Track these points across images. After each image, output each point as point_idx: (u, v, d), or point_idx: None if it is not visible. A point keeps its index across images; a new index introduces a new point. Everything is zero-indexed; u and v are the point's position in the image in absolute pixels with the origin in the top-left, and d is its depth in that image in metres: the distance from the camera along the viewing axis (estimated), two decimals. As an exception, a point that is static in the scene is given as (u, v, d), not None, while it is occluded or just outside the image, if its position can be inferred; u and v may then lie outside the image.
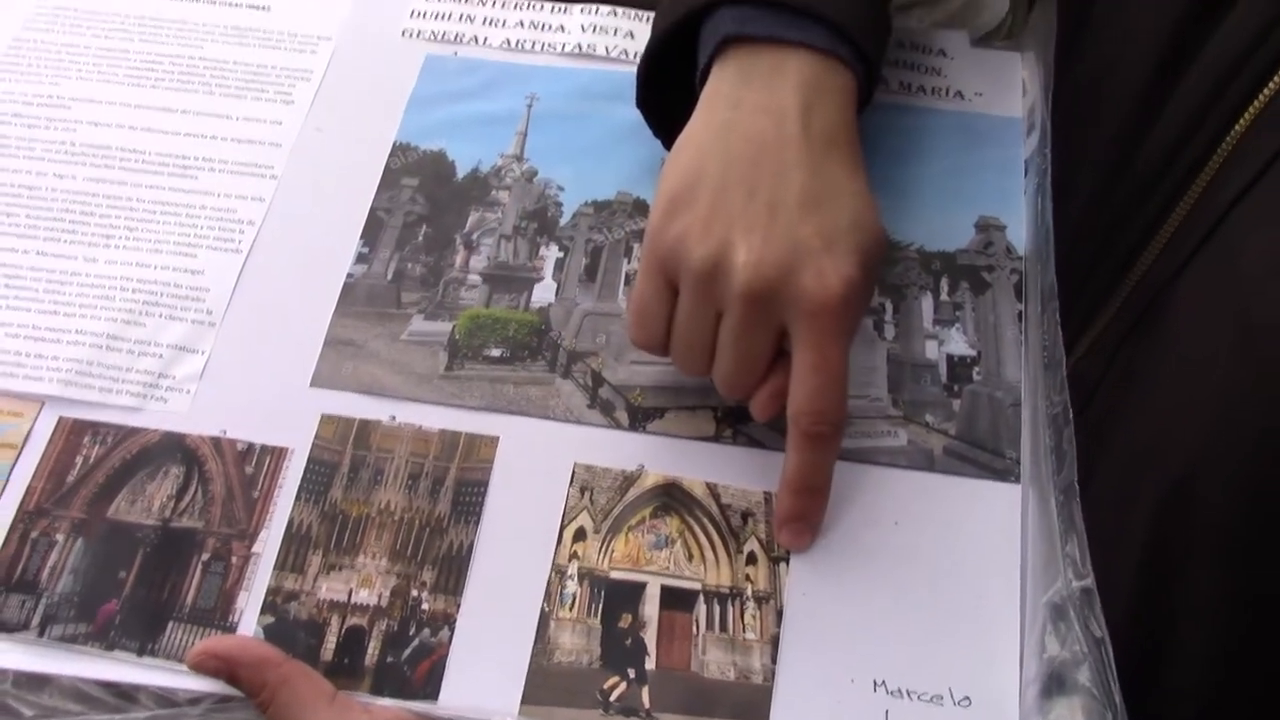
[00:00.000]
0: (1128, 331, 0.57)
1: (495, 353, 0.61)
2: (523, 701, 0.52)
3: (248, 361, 0.60)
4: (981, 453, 0.57)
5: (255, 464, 0.57)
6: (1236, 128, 0.52)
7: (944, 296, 0.62)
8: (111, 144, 0.67)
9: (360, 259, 0.63)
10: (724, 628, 0.54)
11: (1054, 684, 0.51)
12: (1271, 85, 0.51)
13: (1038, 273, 0.60)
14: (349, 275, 0.63)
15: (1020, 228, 0.63)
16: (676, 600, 0.54)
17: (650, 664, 0.53)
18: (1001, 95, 0.68)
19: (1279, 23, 0.51)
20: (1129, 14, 0.61)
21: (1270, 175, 0.51)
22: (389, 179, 0.66)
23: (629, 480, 0.57)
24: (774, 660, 0.53)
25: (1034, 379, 0.58)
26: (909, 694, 0.52)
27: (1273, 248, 0.50)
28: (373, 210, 0.65)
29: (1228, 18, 0.54)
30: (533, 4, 0.74)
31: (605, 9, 0.74)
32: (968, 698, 0.51)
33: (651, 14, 0.64)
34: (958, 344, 0.60)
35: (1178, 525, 0.51)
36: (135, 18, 0.73)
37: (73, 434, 0.59)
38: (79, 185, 0.66)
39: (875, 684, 0.52)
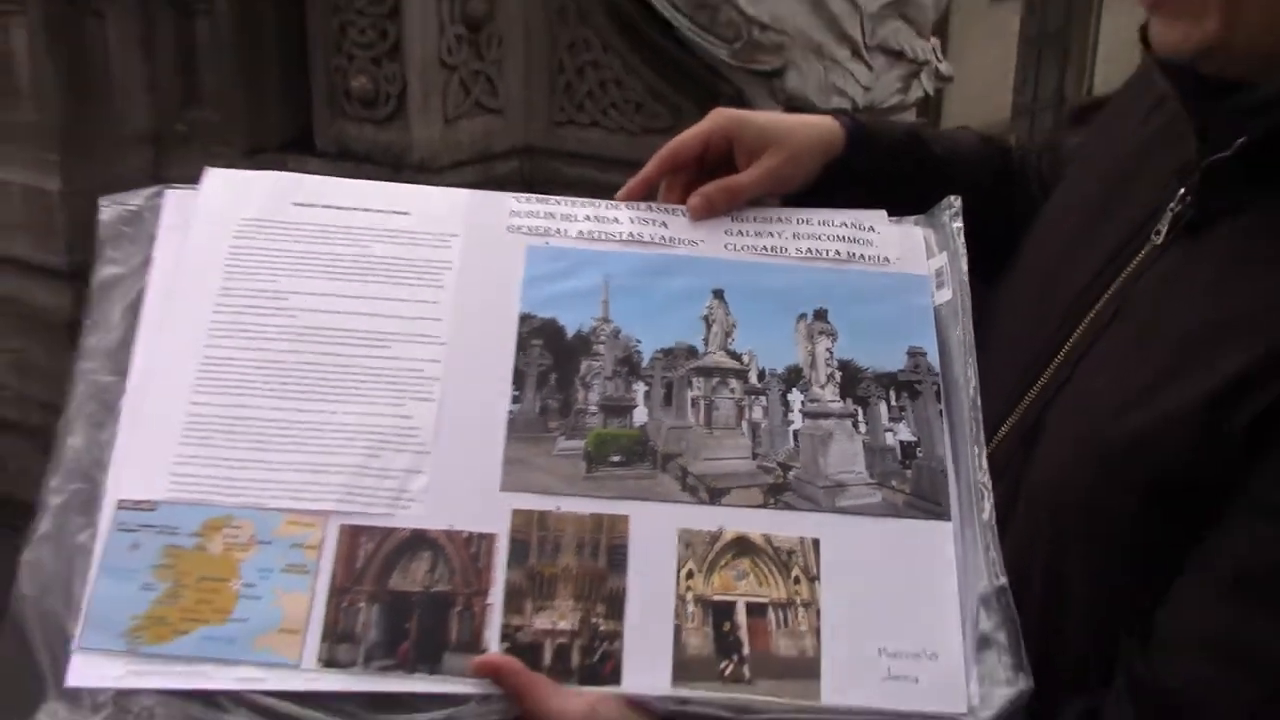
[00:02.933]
0: (1027, 430, 0.95)
1: (616, 459, 0.94)
2: (672, 681, 0.86)
3: (456, 478, 0.92)
4: (926, 503, 0.93)
5: (476, 545, 0.90)
6: (1084, 323, 0.91)
7: (893, 403, 0.97)
8: (325, 325, 0.98)
9: (515, 400, 0.96)
10: (786, 625, 0.88)
11: (984, 644, 0.87)
12: (1096, 308, 0.91)
13: (964, 384, 0.95)
14: (510, 412, 0.95)
15: (934, 353, 0.99)
16: (756, 611, 0.89)
17: (746, 651, 0.87)
18: (913, 260, 1.04)
19: (1105, 270, 0.91)
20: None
21: (1100, 343, 0.90)
22: (522, 342, 0.98)
23: (714, 538, 0.91)
24: (818, 641, 0.88)
25: (960, 455, 0.94)
26: (900, 654, 0.87)
27: (1103, 381, 0.88)
28: (516, 366, 0.97)
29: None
30: (591, 202, 1.07)
31: (643, 205, 1.07)
32: (935, 654, 0.87)
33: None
34: (905, 434, 0.96)
35: (1062, 546, 0.89)
36: (319, 225, 1.03)
37: (352, 536, 0.90)
38: (310, 358, 0.97)
39: (880, 650, 0.87)
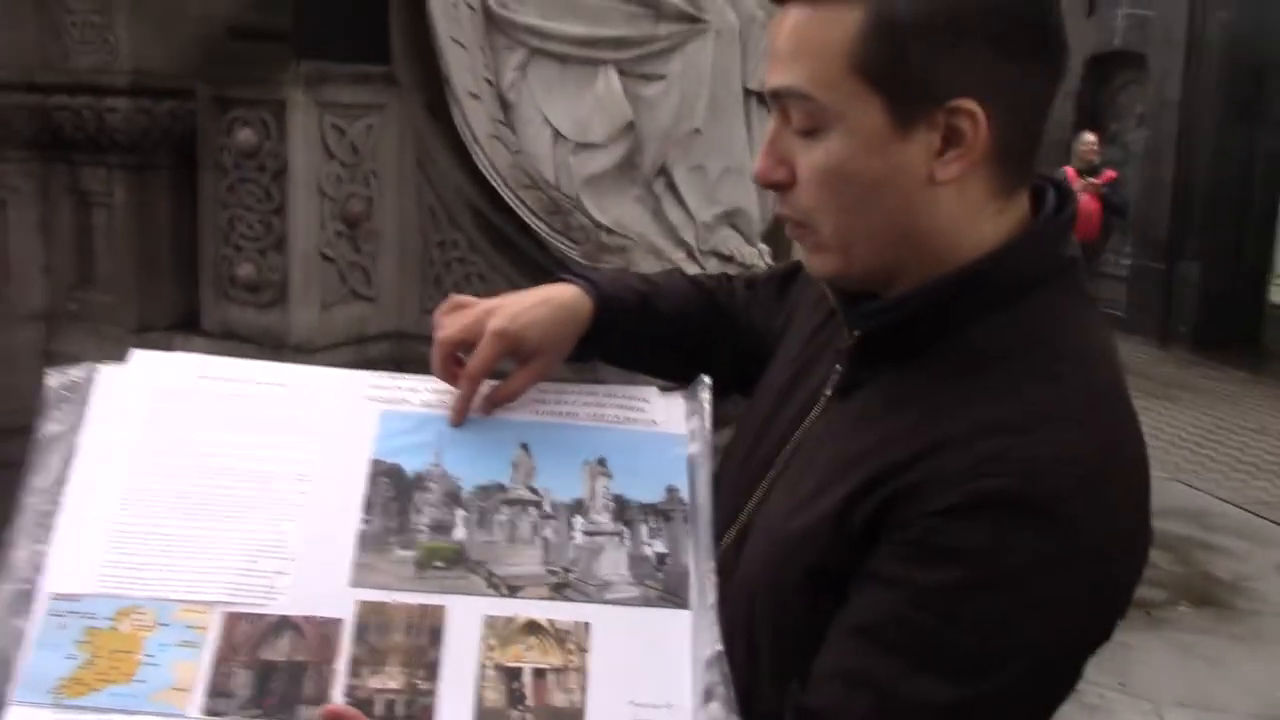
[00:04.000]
0: (735, 541, 1.27)
1: (439, 564, 1.24)
2: None
3: (315, 577, 1.21)
4: (672, 597, 1.24)
5: (328, 627, 1.18)
6: (777, 461, 1.26)
7: (652, 525, 1.30)
8: (222, 466, 1.27)
9: (365, 521, 1.26)
10: (560, 684, 1.18)
11: (708, 695, 1.17)
12: (785, 450, 1.27)
13: (703, 510, 1.29)
14: (361, 531, 1.25)
15: (685, 490, 1.32)
16: (539, 674, 1.18)
17: (530, 703, 1.16)
18: (673, 423, 1.38)
19: (793, 423, 1.27)
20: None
21: (785, 474, 1.24)
22: (373, 479, 1.29)
23: (510, 621, 1.21)
24: (584, 695, 1.17)
25: (698, 560, 1.26)
26: (645, 705, 1.17)
27: (780, 501, 1.22)
28: (366, 497, 1.27)
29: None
30: (430, 379, 1.39)
31: None
32: (670, 704, 1.17)
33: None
34: (660, 547, 1.28)
35: (754, 618, 1.20)
36: (219, 394, 1.33)
37: (232, 620, 1.17)
38: (208, 489, 1.25)
39: (630, 702, 1.17)
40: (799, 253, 1.30)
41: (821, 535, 1.15)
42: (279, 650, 1.17)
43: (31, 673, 1.14)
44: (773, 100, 1.19)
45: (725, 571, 1.26)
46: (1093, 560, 1.07)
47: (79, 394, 1.32)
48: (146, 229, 3.29)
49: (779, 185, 1.20)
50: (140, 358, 1.37)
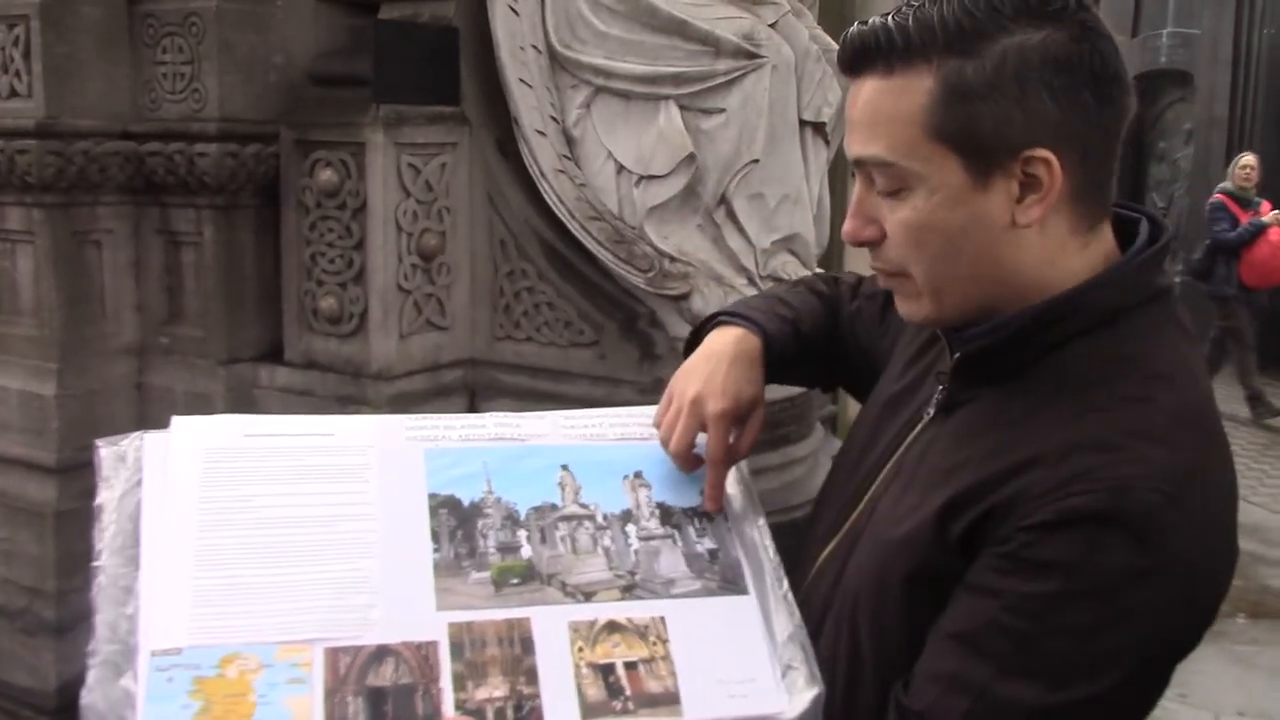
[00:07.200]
0: (851, 542, 1.38)
1: (515, 581, 1.37)
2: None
3: (402, 606, 1.33)
4: (730, 585, 1.37)
5: (425, 650, 1.31)
6: (883, 472, 1.37)
7: (697, 526, 1.43)
8: (285, 516, 1.38)
9: (435, 550, 1.38)
10: (652, 672, 1.30)
11: (789, 669, 1.30)
12: (891, 463, 1.37)
13: (746, 506, 1.44)
14: (433, 560, 1.37)
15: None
16: (630, 666, 1.30)
17: (628, 693, 1.29)
18: None
19: (899, 437, 1.40)
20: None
21: (892, 485, 1.35)
22: (433, 511, 1.41)
23: (593, 624, 1.33)
24: (676, 680, 1.29)
25: (747, 554, 1.39)
26: (730, 681, 1.29)
27: (887, 510, 1.32)
28: (432, 528, 1.40)
29: None
30: (462, 416, 1.52)
31: (502, 414, 1.53)
32: (754, 678, 1.29)
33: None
34: (709, 544, 1.41)
35: (858, 623, 1.31)
36: (266, 448, 1.44)
37: (334, 654, 1.29)
38: (277, 538, 1.36)
39: (717, 680, 1.29)
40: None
41: (922, 543, 1.24)
42: (384, 676, 1.29)
43: None
44: (856, 166, 1.28)
45: (828, 572, 1.38)
46: (1179, 573, 1.13)
47: (128, 461, 1.41)
48: (233, 266, 3.44)
49: (870, 243, 1.30)
50: (183, 423, 1.46)
